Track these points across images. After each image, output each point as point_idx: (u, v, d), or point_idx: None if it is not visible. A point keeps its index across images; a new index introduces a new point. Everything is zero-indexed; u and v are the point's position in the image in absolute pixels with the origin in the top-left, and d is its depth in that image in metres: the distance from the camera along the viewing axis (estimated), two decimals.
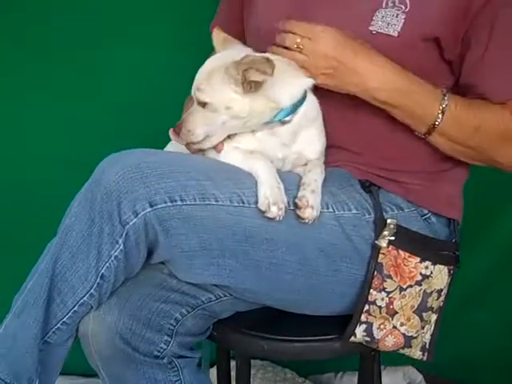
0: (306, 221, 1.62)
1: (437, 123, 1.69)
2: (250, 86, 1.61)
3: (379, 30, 1.69)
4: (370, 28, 1.69)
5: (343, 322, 1.71)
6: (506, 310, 2.48)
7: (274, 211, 1.58)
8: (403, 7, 1.69)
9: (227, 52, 1.70)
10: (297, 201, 1.62)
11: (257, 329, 1.75)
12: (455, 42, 1.71)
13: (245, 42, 1.84)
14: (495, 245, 2.47)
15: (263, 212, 1.58)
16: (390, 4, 1.69)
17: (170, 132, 1.68)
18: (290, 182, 1.65)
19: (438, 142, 1.73)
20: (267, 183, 1.60)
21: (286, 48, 1.66)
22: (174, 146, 1.88)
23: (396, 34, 1.68)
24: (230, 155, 1.67)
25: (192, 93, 1.68)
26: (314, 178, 1.65)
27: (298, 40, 1.65)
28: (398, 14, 1.68)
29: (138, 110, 2.44)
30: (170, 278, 1.68)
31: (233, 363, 1.94)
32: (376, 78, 1.66)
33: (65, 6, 2.39)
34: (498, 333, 2.50)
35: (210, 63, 1.68)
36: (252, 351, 1.80)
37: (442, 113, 1.68)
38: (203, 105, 1.64)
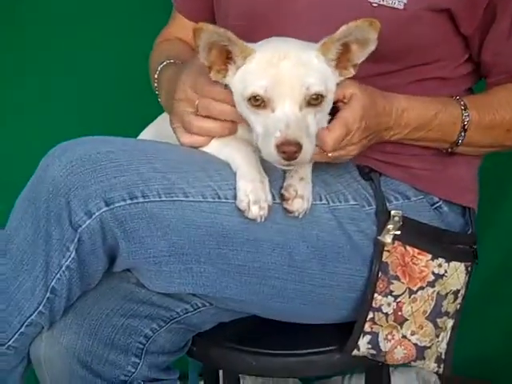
0: (296, 214, 1.51)
1: (460, 141, 1.64)
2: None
3: (381, 2, 1.56)
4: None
5: (343, 331, 1.62)
6: None
7: (255, 211, 1.46)
8: None
9: (284, 42, 1.47)
10: (283, 191, 1.51)
11: (243, 342, 1.66)
12: (472, 14, 1.61)
13: None
14: (508, 235, 2.43)
15: (242, 211, 1.47)
16: None
17: (277, 164, 1.42)
18: (275, 170, 1.52)
19: (467, 151, 1.68)
20: (248, 176, 1.48)
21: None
22: (149, 134, 1.79)
23: (402, 6, 1.56)
24: None
25: (278, 96, 1.40)
26: None
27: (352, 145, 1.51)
28: None
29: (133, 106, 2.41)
30: (138, 287, 1.56)
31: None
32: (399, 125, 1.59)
33: (65, 5, 2.41)
34: None
35: (291, 57, 1.42)
36: (238, 368, 1.69)
37: (464, 130, 1.63)
38: (317, 103, 1.42)
